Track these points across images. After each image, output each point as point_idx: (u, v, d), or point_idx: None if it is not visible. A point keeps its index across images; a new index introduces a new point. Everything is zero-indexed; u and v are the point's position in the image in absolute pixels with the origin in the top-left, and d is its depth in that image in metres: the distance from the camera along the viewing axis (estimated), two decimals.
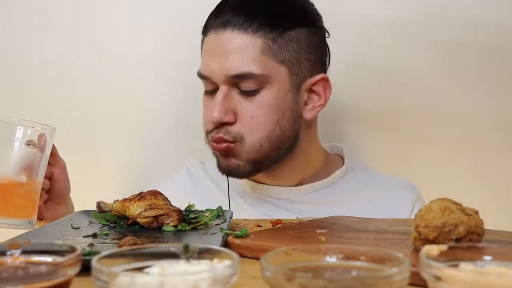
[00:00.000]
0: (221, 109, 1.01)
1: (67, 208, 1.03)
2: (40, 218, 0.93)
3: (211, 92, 1.05)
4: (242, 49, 1.00)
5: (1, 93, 1.35)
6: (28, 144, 0.85)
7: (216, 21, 1.03)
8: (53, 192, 0.98)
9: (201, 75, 1.05)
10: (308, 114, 1.06)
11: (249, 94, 1.01)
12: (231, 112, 1.01)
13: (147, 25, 1.35)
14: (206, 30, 1.06)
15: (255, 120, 1.01)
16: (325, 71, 1.08)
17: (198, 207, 0.94)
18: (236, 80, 1.01)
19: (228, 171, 1.06)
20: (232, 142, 1.02)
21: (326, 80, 1.06)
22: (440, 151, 1.33)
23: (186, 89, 1.34)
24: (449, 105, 1.32)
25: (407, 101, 1.33)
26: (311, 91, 1.06)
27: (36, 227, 0.88)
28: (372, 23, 1.31)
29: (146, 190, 0.89)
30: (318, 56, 1.06)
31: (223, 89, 1.01)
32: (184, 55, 1.33)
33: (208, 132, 1.05)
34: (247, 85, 1.01)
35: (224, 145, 1.02)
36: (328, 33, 1.11)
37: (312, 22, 1.06)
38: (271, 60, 1.00)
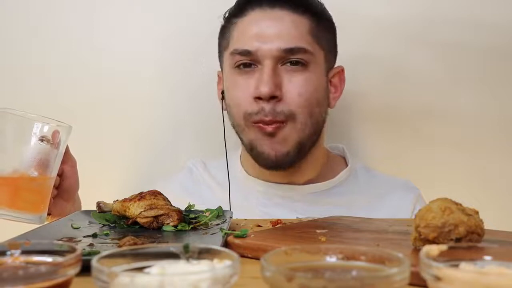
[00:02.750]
0: (271, 82, 0.99)
1: (74, 205, 1.04)
2: (47, 214, 0.93)
3: (247, 68, 1.03)
4: (294, 25, 1.02)
5: (1, 93, 1.35)
6: (41, 140, 0.86)
7: (257, 2, 1.04)
8: (62, 188, 0.98)
9: (243, 51, 1.03)
10: (332, 102, 1.10)
11: (294, 70, 1.02)
12: (279, 87, 1.01)
13: (148, 25, 1.35)
14: (241, 12, 1.05)
15: (302, 98, 1.02)
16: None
17: (200, 206, 0.94)
18: (286, 55, 1.01)
19: (275, 161, 1.03)
20: (283, 122, 1.01)
21: (343, 72, 1.12)
22: (440, 151, 1.33)
23: (187, 89, 1.34)
24: (450, 105, 1.32)
25: (408, 101, 1.33)
26: (329, 82, 1.10)
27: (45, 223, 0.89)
28: (373, 23, 1.32)
29: (146, 190, 0.89)
30: (337, 50, 1.12)
31: (269, 64, 1.01)
32: (185, 56, 1.33)
33: (248, 115, 1.02)
34: (295, 61, 1.02)
35: (275, 125, 1.01)
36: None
37: (332, 20, 1.11)
38: (314, 42, 1.05)
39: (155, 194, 0.88)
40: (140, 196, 0.87)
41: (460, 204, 0.68)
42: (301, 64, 1.02)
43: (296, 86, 1.01)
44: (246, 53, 1.03)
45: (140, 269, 0.51)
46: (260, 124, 1.01)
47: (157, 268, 0.50)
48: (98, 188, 1.29)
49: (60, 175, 0.97)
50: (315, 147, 1.09)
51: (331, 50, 1.09)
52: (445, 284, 0.47)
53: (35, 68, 1.34)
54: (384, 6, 1.32)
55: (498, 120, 1.32)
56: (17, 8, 1.34)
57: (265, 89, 0.99)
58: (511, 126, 1.32)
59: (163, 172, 1.31)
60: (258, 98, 1.00)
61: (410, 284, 0.50)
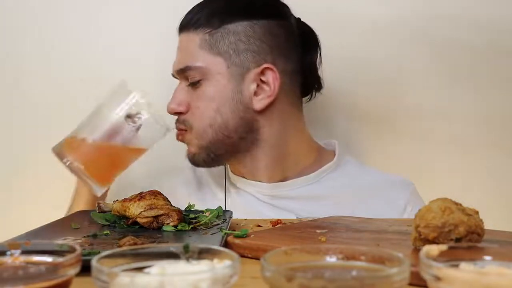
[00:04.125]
0: (174, 100, 1.10)
1: None
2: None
3: None
4: (185, 45, 1.10)
5: (0, 92, 1.35)
6: (128, 116, 1.00)
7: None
8: None
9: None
10: (257, 105, 1.07)
11: (194, 86, 1.08)
12: (184, 104, 1.09)
13: (148, 25, 1.35)
14: None
15: (199, 111, 1.08)
16: (280, 63, 1.07)
17: (200, 202, 0.95)
18: (183, 74, 1.09)
19: (190, 160, 1.12)
20: (182, 130, 1.10)
21: (271, 70, 1.07)
22: (440, 150, 1.33)
23: None
24: (448, 104, 1.32)
25: (405, 100, 1.33)
26: (262, 82, 1.07)
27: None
28: (369, 21, 1.31)
29: (146, 190, 0.89)
30: (266, 48, 1.07)
31: (180, 83, 1.11)
32: None
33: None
34: (190, 78, 1.08)
35: (180, 132, 1.11)
36: (289, 27, 1.11)
37: (257, 16, 1.08)
38: (207, 53, 1.07)
39: (155, 194, 0.88)
40: (140, 196, 0.87)
41: (460, 204, 0.68)
42: (197, 80, 1.07)
43: (195, 102, 1.08)
44: (173, 76, 1.14)
45: (140, 269, 0.51)
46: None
47: (157, 268, 0.50)
48: None
49: None
50: (261, 147, 1.09)
51: (238, 52, 1.06)
52: (445, 284, 0.47)
53: (34, 68, 1.34)
54: (381, 4, 1.31)
55: (498, 120, 1.32)
56: (17, 8, 1.34)
57: (169, 106, 1.10)
58: (511, 125, 1.32)
59: (164, 171, 1.30)
60: None
61: (410, 284, 0.50)
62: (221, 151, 1.09)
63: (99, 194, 1.02)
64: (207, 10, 1.08)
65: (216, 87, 1.06)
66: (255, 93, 1.07)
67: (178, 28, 1.11)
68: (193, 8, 1.10)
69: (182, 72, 1.09)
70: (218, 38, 1.06)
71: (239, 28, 1.06)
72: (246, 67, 1.06)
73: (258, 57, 1.07)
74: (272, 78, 1.07)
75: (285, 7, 1.12)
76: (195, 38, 1.07)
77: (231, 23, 1.06)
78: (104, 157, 1.00)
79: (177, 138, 1.12)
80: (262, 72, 1.06)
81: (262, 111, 1.07)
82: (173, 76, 1.12)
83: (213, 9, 1.08)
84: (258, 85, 1.07)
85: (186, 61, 1.08)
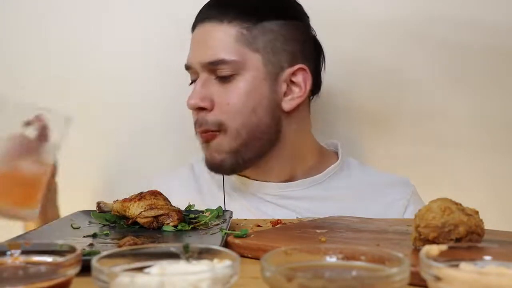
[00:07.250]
0: (197, 94, 1.05)
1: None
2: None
3: (194, 82, 1.09)
4: (217, 37, 1.05)
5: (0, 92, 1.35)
6: (27, 124, 0.76)
7: (198, 17, 1.08)
8: None
9: (185, 66, 1.10)
10: (287, 105, 1.06)
11: (224, 81, 1.04)
12: (208, 99, 1.04)
13: (148, 25, 1.35)
14: (192, 29, 1.11)
15: (231, 107, 1.03)
16: (307, 64, 1.08)
17: (198, 202, 0.94)
18: (212, 67, 1.04)
19: (214, 167, 1.08)
20: (214, 131, 1.04)
21: (305, 71, 1.07)
22: (440, 151, 1.33)
23: (188, 88, 1.34)
24: (448, 105, 1.32)
25: (406, 100, 1.33)
26: (292, 82, 1.07)
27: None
28: (371, 22, 1.31)
29: (147, 190, 0.89)
30: (298, 49, 1.07)
31: (202, 76, 1.06)
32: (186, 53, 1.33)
33: (195, 124, 1.08)
34: (222, 72, 1.04)
35: (208, 134, 1.05)
36: (314, 31, 1.12)
37: (290, 17, 1.08)
38: (245, 48, 1.04)
39: (155, 194, 0.88)
40: (140, 196, 0.87)
41: (460, 204, 0.68)
42: (229, 75, 1.04)
43: (224, 97, 1.04)
44: (187, 68, 1.09)
45: (140, 269, 0.51)
46: (200, 133, 1.07)
47: (157, 268, 0.50)
48: (96, 187, 1.30)
49: None
50: (280, 146, 1.08)
51: (275, 51, 1.05)
52: (445, 284, 0.47)
53: (34, 68, 1.34)
54: (382, 5, 1.31)
55: (499, 120, 1.32)
56: (17, 9, 1.34)
57: (190, 101, 1.05)
58: (511, 126, 1.32)
59: (156, 171, 1.30)
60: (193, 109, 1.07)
61: (410, 284, 0.50)
62: (250, 155, 1.06)
63: (32, 219, 0.77)
64: (243, 4, 1.06)
65: (252, 84, 1.04)
66: (284, 94, 1.06)
67: (199, 18, 1.08)
68: (218, 2, 1.07)
69: (211, 65, 1.04)
70: (257, 35, 1.04)
71: (275, 27, 1.05)
72: (280, 67, 1.05)
73: (292, 57, 1.06)
74: (304, 78, 1.06)
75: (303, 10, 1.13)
76: (230, 31, 1.04)
77: (268, 21, 1.05)
78: (15, 181, 0.74)
79: (205, 140, 1.07)
80: (294, 73, 1.06)
81: (288, 112, 1.07)
82: (186, 68, 1.09)
83: (249, 5, 1.06)
84: (287, 86, 1.06)
85: (220, 54, 1.04)
